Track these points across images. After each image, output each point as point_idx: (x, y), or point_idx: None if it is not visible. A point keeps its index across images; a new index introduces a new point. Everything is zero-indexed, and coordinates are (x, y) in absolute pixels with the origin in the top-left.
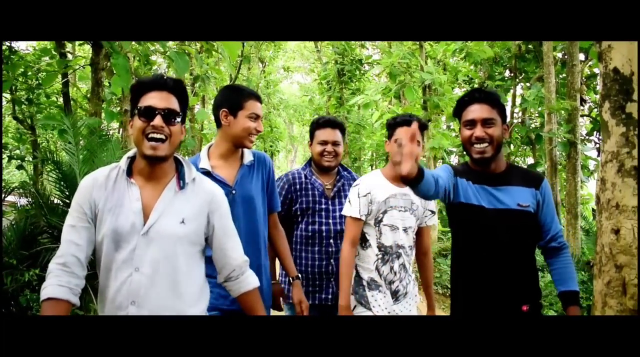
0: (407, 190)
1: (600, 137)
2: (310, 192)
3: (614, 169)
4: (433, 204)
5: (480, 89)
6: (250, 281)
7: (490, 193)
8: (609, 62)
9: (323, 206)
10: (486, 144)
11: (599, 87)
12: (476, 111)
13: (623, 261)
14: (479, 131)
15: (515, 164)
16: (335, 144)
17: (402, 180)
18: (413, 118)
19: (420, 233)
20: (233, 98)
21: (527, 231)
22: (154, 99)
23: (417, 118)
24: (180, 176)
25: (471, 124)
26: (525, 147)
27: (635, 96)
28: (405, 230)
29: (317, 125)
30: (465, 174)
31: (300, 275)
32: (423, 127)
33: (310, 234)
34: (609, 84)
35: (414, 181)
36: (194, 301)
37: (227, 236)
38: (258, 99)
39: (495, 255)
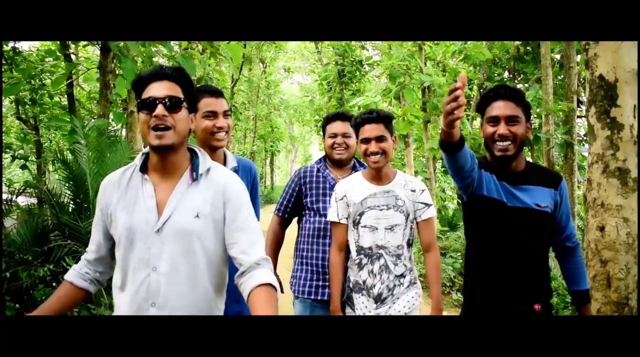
0: (389, 187)
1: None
2: (320, 185)
3: (599, 170)
4: (426, 196)
5: (506, 85)
6: (261, 277)
7: (510, 191)
8: (595, 69)
9: None
10: (509, 142)
11: (586, 93)
12: (500, 108)
13: (608, 257)
14: (502, 128)
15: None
16: (345, 136)
17: (443, 145)
18: (373, 113)
19: (418, 229)
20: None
21: (544, 231)
22: (154, 89)
23: (378, 111)
24: (194, 168)
25: (495, 120)
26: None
27: (619, 101)
28: (391, 228)
29: (327, 119)
30: (487, 168)
31: (309, 269)
32: (388, 119)
33: (322, 226)
34: (594, 90)
35: (455, 147)
36: (216, 300)
37: (242, 230)
38: (213, 94)
39: (512, 252)
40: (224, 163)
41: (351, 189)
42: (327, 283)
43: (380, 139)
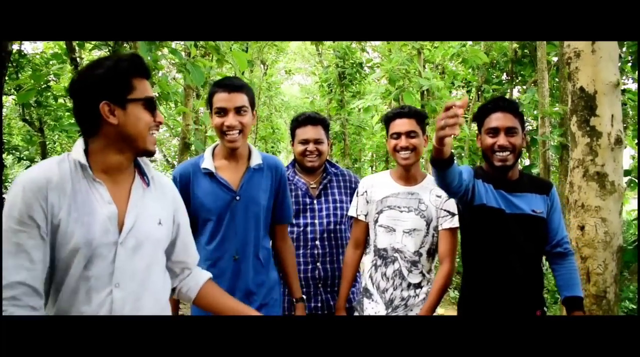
0: (414, 188)
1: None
2: (293, 193)
3: (580, 173)
4: (451, 204)
5: (504, 97)
6: (203, 272)
7: (507, 199)
8: (576, 81)
9: (308, 206)
10: (508, 153)
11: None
12: (500, 119)
13: (587, 253)
14: (502, 140)
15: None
16: (317, 142)
17: (433, 161)
18: (405, 108)
19: (438, 238)
20: (209, 96)
21: (541, 237)
22: (148, 88)
23: (410, 107)
24: (143, 173)
25: (494, 131)
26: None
27: (598, 111)
28: (409, 232)
29: (297, 123)
30: (483, 177)
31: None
32: (420, 116)
33: (295, 236)
34: (576, 101)
35: (444, 164)
36: (169, 308)
37: (188, 233)
38: (226, 88)
39: (513, 258)
40: (248, 159)
41: (374, 185)
42: (304, 296)
43: (411, 134)
